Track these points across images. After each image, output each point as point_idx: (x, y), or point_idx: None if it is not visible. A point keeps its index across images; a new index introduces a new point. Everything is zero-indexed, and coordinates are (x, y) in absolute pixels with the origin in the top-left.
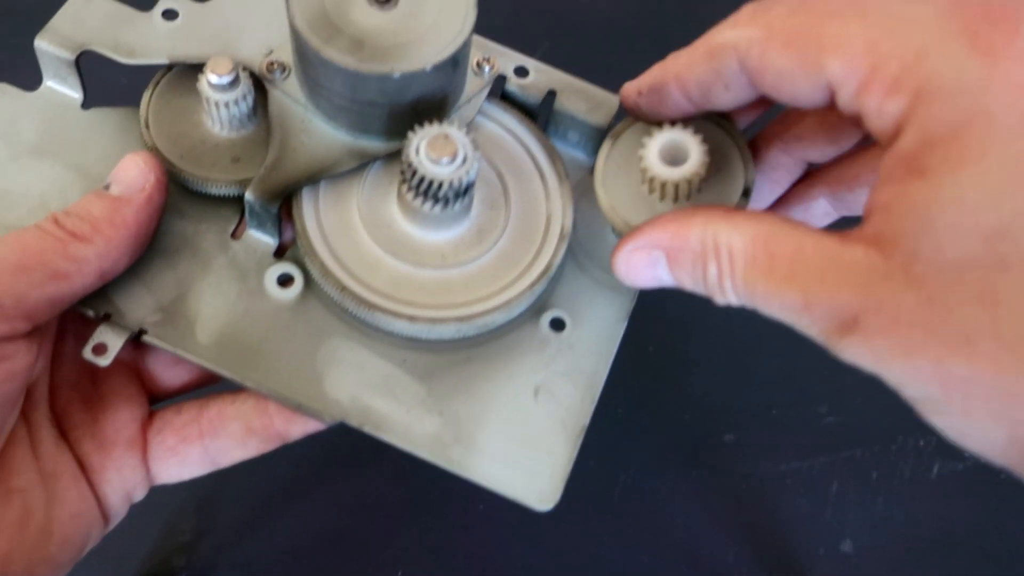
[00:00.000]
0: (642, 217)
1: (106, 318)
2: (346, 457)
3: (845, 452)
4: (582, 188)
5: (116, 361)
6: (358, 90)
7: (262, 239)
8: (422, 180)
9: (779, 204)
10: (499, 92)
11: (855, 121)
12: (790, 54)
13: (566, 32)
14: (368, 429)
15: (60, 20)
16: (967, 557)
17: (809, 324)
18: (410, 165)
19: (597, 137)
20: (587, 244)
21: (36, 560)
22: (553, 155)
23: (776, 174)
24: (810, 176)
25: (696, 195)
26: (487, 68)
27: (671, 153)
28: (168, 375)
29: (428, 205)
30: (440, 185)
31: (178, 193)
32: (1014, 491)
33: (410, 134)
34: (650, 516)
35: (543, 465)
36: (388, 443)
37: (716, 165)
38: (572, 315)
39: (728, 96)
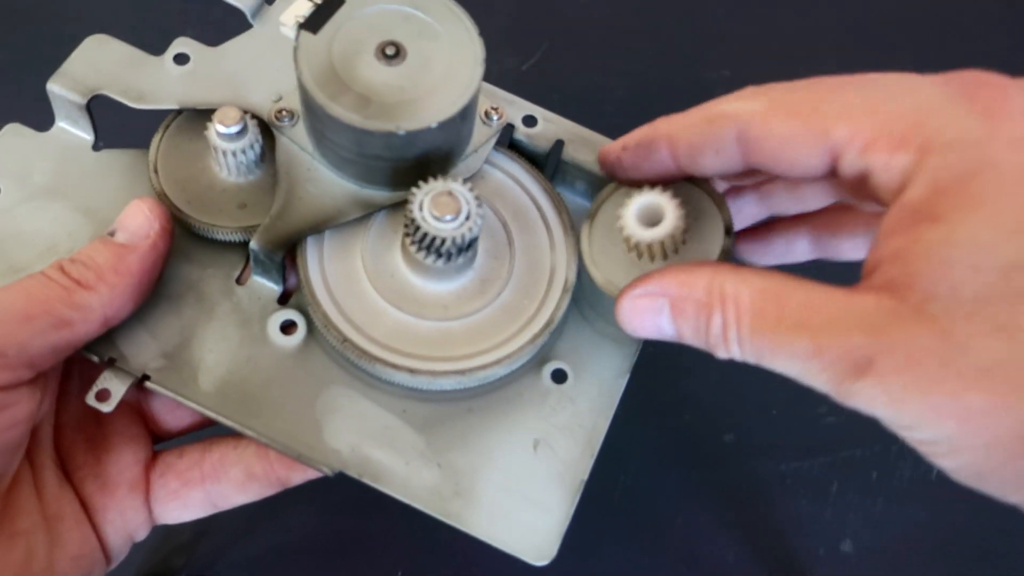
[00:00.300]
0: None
1: (111, 363)
2: None
3: (845, 452)
4: (595, 209)
5: (120, 402)
6: (364, 145)
7: (266, 285)
8: (425, 236)
9: (761, 235)
10: (507, 141)
11: (858, 183)
12: (794, 123)
13: (566, 33)
14: (367, 480)
15: (73, 63)
16: (967, 557)
17: (819, 371)
18: (413, 221)
19: (603, 187)
20: (591, 295)
21: None
22: (559, 206)
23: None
24: (795, 217)
25: (683, 247)
26: (495, 118)
27: (648, 214)
28: (171, 417)
29: (431, 259)
30: (443, 241)
31: (184, 237)
32: None
33: (415, 190)
34: (650, 516)
35: (540, 520)
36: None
37: (693, 215)
38: (574, 367)
39: (715, 162)
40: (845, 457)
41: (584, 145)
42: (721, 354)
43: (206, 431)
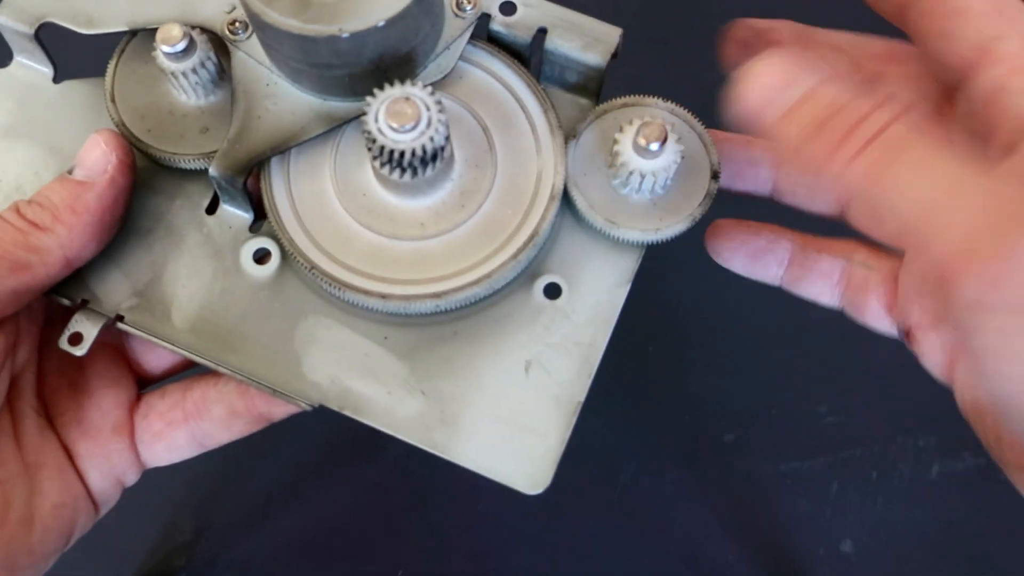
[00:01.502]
0: (622, 214)
1: (83, 304)
2: (346, 457)
3: (845, 452)
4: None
5: (102, 344)
6: (310, 53)
7: (237, 213)
8: (383, 149)
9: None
10: (484, 33)
11: (974, 105)
12: (986, 4)
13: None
14: (348, 412)
15: None
16: (967, 557)
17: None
18: (369, 134)
19: (596, 77)
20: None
21: (16, 551)
22: (545, 104)
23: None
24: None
25: (669, 187)
26: (468, 7)
27: (646, 139)
28: (153, 357)
29: (396, 174)
30: (402, 154)
31: (150, 168)
32: (1014, 491)
33: (370, 99)
34: (650, 516)
35: (534, 447)
36: (370, 426)
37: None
38: (569, 280)
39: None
40: (845, 457)
41: (571, 31)
42: (826, 149)
43: (193, 371)
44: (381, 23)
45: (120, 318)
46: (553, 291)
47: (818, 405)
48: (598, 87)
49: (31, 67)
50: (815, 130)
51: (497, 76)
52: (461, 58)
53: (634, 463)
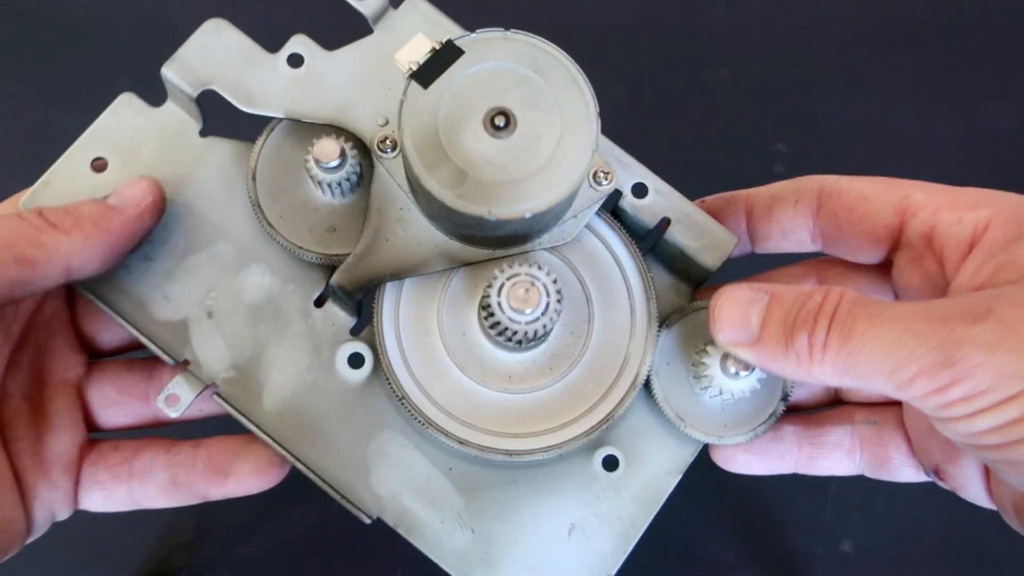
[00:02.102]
0: (693, 412)
1: (184, 365)
2: None
3: None
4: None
5: (64, 383)
6: (454, 216)
7: (341, 312)
8: (498, 324)
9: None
10: (611, 206)
11: (921, 242)
12: (875, 185)
13: (566, 34)
14: (401, 531)
15: (189, 49)
16: (967, 557)
17: (922, 328)
18: (488, 307)
19: (701, 275)
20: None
21: None
22: (649, 292)
23: None
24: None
25: (741, 398)
26: (605, 182)
27: (735, 366)
28: (107, 413)
29: (502, 339)
30: (515, 332)
31: (271, 247)
32: None
33: (496, 272)
34: None
35: None
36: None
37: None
38: (627, 456)
39: (789, 214)
40: None
41: (692, 229)
42: (801, 346)
43: (141, 432)
44: (528, 215)
45: (216, 387)
46: (611, 463)
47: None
48: (701, 281)
49: (181, 115)
50: (786, 344)
51: (611, 250)
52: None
53: None
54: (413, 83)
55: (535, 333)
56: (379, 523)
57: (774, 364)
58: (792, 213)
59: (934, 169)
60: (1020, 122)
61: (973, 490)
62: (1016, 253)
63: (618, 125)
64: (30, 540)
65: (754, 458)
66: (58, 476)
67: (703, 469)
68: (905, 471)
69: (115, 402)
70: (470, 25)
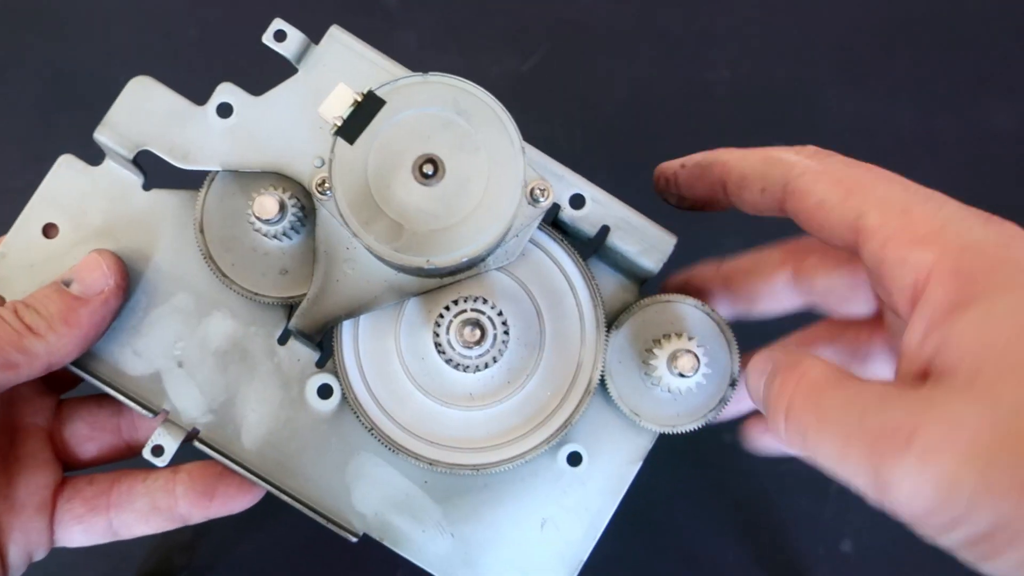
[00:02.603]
0: (646, 406)
1: (164, 416)
2: None
3: None
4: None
5: (34, 427)
6: (395, 264)
7: (306, 348)
8: (451, 360)
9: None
10: (551, 219)
11: (875, 275)
12: (835, 192)
13: (566, 34)
14: (387, 543)
15: (118, 111)
16: None
17: (858, 451)
18: (440, 347)
19: (645, 275)
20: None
21: None
22: (596, 300)
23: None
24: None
25: (689, 392)
26: (542, 199)
27: (680, 368)
28: (83, 448)
29: (457, 368)
30: (468, 366)
31: (229, 293)
32: None
33: (443, 312)
34: (650, 516)
35: None
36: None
37: (708, 354)
38: (589, 450)
39: (757, 199)
40: None
41: (631, 234)
42: (772, 426)
43: (118, 464)
44: (465, 260)
45: (196, 433)
46: (575, 459)
47: None
48: (646, 279)
49: (122, 172)
50: (766, 407)
51: (556, 261)
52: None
53: None
54: (339, 140)
55: (486, 364)
56: (366, 537)
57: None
58: (759, 199)
59: (935, 169)
60: (1021, 122)
61: None
62: (951, 333)
63: (618, 126)
64: None
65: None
66: (31, 516)
67: (703, 469)
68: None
69: (88, 438)
70: (469, 31)
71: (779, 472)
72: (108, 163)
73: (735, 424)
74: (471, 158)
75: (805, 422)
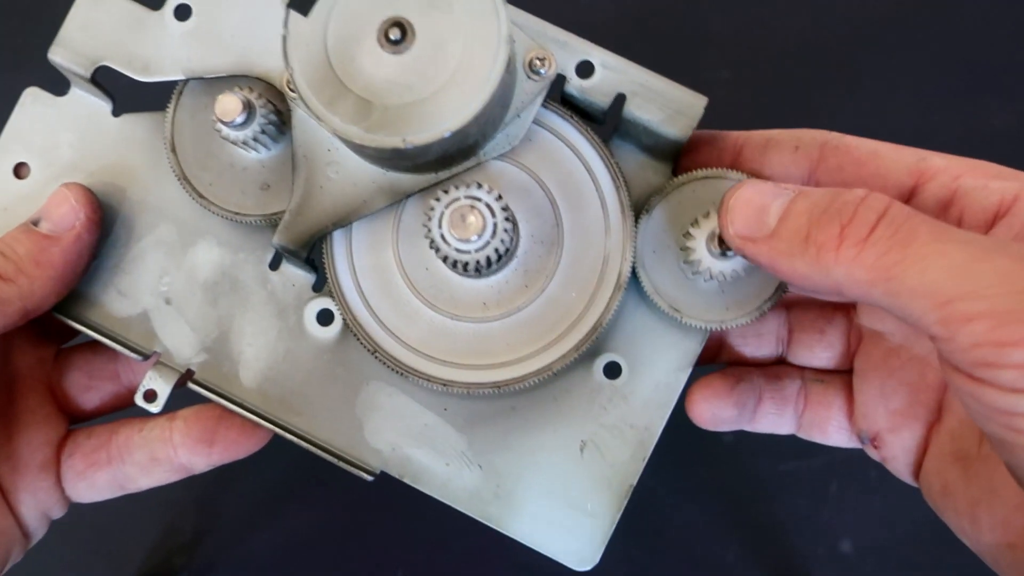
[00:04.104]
0: (688, 300)
1: (155, 358)
2: None
3: (845, 452)
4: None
5: (34, 381)
6: (371, 151)
7: (300, 271)
8: (446, 257)
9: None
10: (557, 94)
11: (938, 205)
12: (888, 145)
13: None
14: (408, 480)
15: (70, 28)
16: (967, 557)
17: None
18: (433, 242)
19: (673, 148)
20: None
21: None
22: (618, 181)
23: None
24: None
25: (740, 276)
26: (543, 69)
27: (718, 249)
28: (85, 397)
29: (459, 271)
30: (466, 263)
31: (213, 219)
32: None
33: (433, 203)
34: (650, 515)
35: (584, 526)
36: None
37: None
38: (629, 360)
39: (786, 159)
40: (845, 457)
41: (652, 100)
42: (830, 237)
43: (121, 413)
44: (447, 134)
45: (191, 374)
46: (613, 371)
47: None
48: (676, 154)
49: (89, 99)
50: (807, 235)
51: (568, 142)
52: (532, 121)
53: None
54: (292, 12)
55: (489, 259)
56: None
57: (785, 260)
58: (789, 160)
59: None
60: (1021, 122)
61: (902, 464)
62: None
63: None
64: (32, 543)
65: (732, 411)
66: (36, 475)
67: (703, 469)
68: (838, 435)
69: (88, 387)
70: None
71: (778, 472)
72: (74, 91)
73: None
74: (444, 17)
75: (916, 227)
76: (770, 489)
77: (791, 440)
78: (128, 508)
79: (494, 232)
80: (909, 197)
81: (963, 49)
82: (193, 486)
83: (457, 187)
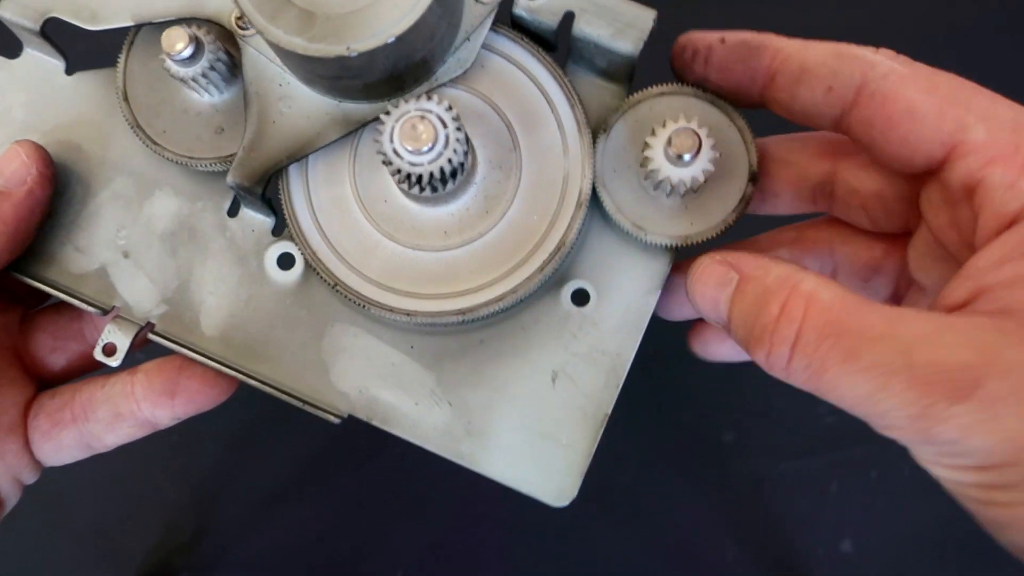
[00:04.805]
0: (652, 217)
1: (114, 312)
2: (346, 457)
3: (845, 452)
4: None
5: None
6: (318, 68)
7: (259, 216)
8: (399, 171)
9: (796, 247)
10: (507, 17)
11: (959, 192)
12: (931, 98)
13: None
14: (376, 423)
15: None
16: (967, 557)
17: (903, 389)
18: (384, 156)
19: (628, 64)
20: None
21: None
22: (572, 99)
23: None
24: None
25: (702, 186)
26: None
27: (679, 147)
28: (53, 358)
29: (416, 190)
30: (420, 176)
31: (170, 168)
32: None
33: (383, 117)
34: (649, 515)
35: (560, 458)
36: (397, 436)
37: (717, 149)
38: (597, 285)
39: (816, 99)
40: (845, 457)
41: (600, 15)
42: (761, 360)
43: (93, 372)
44: (391, 39)
45: (151, 326)
46: (581, 298)
47: (817, 405)
48: (630, 73)
49: (42, 59)
50: (747, 345)
51: (521, 66)
52: (483, 46)
53: (634, 463)
54: None
55: (443, 172)
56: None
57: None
58: (821, 100)
59: None
60: None
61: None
62: None
63: None
64: (6, 510)
65: (727, 348)
66: (4, 438)
67: (703, 469)
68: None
69: (53, 348)
70: None
71: (779, 472)
72: (27, 52)
73: (736, 424)
74: None
75: (824, 357)
76: (770, 489)
77: (791, 440)
78: (128, 508)
79: (446, 143)
80: (937, 167)
81: (964, 49)
82: (193, 487)
83: (407, 100)
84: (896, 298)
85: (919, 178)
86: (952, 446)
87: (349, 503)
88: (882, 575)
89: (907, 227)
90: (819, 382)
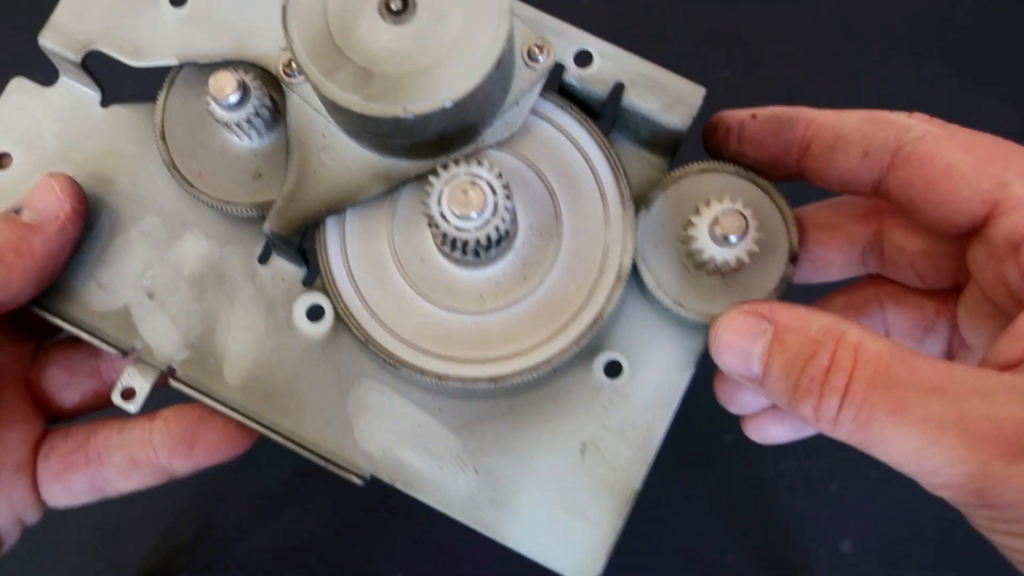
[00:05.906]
0: (692, 294)
1: (134, 353)
2: None
3: (845, 452)
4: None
5: (8, 376)
6: (369, 126)
7: (290, 266)
8: (445, 236)
9: (848, 312)
10: (556, 83)
11: (1003, 249)
12: (968, 157)
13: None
14: (400, 486)
15: (63, 11)
16: (967, 557)
17: (956, 445)
18: (431, 220)
19: (672, 140)
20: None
21: None
22: (617, 171)
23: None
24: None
25: (744, 266)
26: (541, 57)
27: (725, 227)
28: (66, 395)
29: (458, 254)
30: (466, 242)
31: (201, 210)
32: None
33: (432, 179)
34: (649, 515)
35: (585, 534)
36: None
37: (760, 229)
38: (630, 358)
39: (853, 165)
40: (845, 457)
41: (650, 89)
42: (807, 413)
43: (101, 412)
44: (449, 104)
45: (172, 372)
46: (613, 369)
47: None
48: (674, 147)
49: (78, 88)
50: (789, 401)
51: (567, 133)
52: (530, 111)
53: None
54: None
55: (489, 239)
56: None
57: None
58: (857, 166)
59: None
60: (1022, 122)
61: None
62: None
63: None
64: (4, 551)
65: (786, 430)
66: (11, 476)
67: (703, 469)
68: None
69: (67, 384)
70: None
71: (779, 472)
72: (62, 81)
73: (736, 424)
74: None
75: (873, 408)
76: (770, 489)
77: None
78: (128, 508)
79: (495, 210)
80: (981, 225)
81: (963, 49)
82: (193, 487)
83: (457, 163)
84: (948, 359)
85: (964, 235)
86: (1013, 510)
87: (350, 504)
88: (882, 575)
89: (957, 283)
90: (866, 434)
